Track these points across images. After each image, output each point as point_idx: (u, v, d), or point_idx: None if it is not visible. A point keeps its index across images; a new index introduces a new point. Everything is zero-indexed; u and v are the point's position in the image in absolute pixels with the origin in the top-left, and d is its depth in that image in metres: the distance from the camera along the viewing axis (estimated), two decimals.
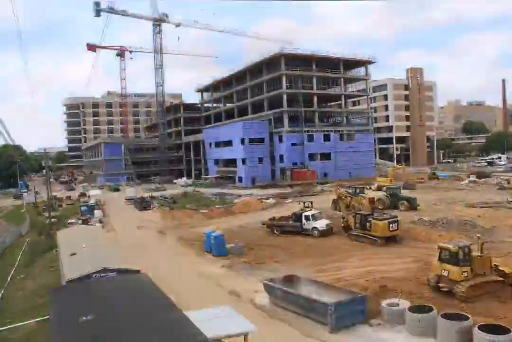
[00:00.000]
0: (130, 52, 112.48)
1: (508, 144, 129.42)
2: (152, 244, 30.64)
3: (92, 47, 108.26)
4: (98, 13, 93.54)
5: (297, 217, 30.79)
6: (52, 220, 39.62)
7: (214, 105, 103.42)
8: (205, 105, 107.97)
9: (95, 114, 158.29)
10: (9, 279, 24.62)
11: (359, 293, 16.09)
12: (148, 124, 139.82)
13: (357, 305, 15.20)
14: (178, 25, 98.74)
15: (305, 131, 74.63)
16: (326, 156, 77.41)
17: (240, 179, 74.20)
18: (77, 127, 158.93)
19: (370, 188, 51.09)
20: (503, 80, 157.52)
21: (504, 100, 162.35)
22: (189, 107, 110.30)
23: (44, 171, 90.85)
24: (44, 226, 39.31)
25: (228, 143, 78.86)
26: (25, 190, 79.12)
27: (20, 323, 16.94)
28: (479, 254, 17.03)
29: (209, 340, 8.85)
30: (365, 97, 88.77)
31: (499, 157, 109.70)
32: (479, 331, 12.16)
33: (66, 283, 15.37)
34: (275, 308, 16.89)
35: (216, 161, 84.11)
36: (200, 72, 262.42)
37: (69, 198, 65.53)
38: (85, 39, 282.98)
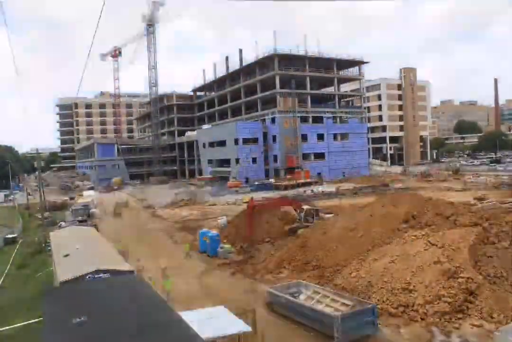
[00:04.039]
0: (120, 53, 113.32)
1: (500, 143, 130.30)
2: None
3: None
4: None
5: None
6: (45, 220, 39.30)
7: (208, 105, 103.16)
8: (199, 104, 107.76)
9: (88, 114, 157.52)
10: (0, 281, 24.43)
11: (369, 302, 14.69)
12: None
13: (366, 317, 13.84)
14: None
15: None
16: (320, 156, 77.64)
17: (234, 179, 74.08)
18: (70, 128, 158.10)
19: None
20: (495, 80, 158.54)
21: (496, 100, 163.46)
22: (183, 107, 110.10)
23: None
24: (38, 227, 39.06)
25: (222, 143, 78.81)
26: (17, 191, 78.66)
27: (15, 325, 16.80)
28: None
29: (204, 340, 8.81)
30: (359, 97, 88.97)
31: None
32: None
33: (60, 284, 15.25)
34: (276, 316, 16.07)
35: (210, 162, 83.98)
36: (195, 70, 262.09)
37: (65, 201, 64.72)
38: (80, 39, 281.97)
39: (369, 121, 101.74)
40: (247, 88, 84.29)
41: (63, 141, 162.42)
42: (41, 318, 10.63)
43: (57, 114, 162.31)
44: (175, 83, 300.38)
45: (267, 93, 77.87)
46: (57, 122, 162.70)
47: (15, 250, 32.85)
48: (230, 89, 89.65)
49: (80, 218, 41.18)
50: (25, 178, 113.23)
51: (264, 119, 77.80)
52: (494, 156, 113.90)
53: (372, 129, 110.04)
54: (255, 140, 75.58)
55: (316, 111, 79.02)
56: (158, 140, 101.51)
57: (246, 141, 74.65)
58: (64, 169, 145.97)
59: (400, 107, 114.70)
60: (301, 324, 14.90)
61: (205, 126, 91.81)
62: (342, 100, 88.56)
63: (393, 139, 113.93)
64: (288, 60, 75.88)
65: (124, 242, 27.78)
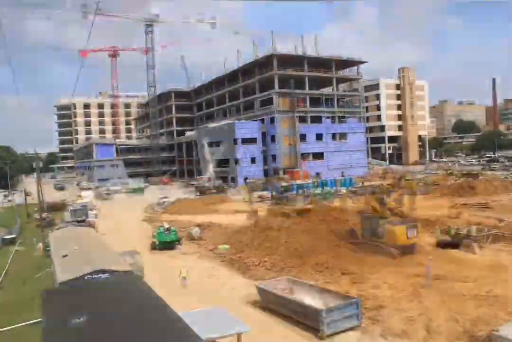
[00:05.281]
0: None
1: (498, 143, 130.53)
2: None
3: (84, 53, 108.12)
4: (85, 15, 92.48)
5: None
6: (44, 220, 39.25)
7: (206, 105, 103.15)
8: (198, 104, 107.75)
9: (87, 115, 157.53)
10: None
11: (353, 297, 15.64)
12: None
13: (350, 310, 14.68)
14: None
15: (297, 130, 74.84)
16: (318, 156, 77.74)
17: (233, 179, 74.16)
18: (68, 128, 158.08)
19: None
20: (493, 79, 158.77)
21: (494, 99, 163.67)
22: (182, 107, 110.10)
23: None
24: (36, 227, 39.03)
25: (221, 143, 78.82)
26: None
27: (15, 325, 16.80)
28: None
29: (203, 340, 8.83)
30: (357, 97, 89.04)
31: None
32: None
33: (59, 284, 15.25)
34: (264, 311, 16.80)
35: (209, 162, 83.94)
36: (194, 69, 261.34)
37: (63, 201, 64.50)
38: (75, 39, 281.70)
39: (367, 121, 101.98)
40: (246, 88, 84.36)
41: (61, 142, 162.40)
42: (41, 319, 10.62)
43: (56, 114, 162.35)
44: (175, 83, 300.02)
45: (265, 93, 77.96)
46: (56, 122, 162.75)
47: (14, 251, 32.82)
48: (229, 89, 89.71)
49: (78, 218, 41.19)
50: (23, 178, 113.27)
51: (263, 119, 77.84)
52: (492, 156, 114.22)
53: (371, 129, 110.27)
54: (254, 140, 75.62)
55: (314, 111, 79.09)
56: (157, 141, 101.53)
57: (245, 141, 74.69)
58: (63, 169, 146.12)
59: (399, 107, 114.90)
60: (289, 318, 15.54)
61: (203, 127, 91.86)
62: (340, 100, 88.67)
63: (392, 139, 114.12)
64: (286, 60, 75.94)
65: None
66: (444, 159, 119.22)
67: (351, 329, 14.51)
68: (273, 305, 16.69)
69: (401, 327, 14.38)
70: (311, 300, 16.04)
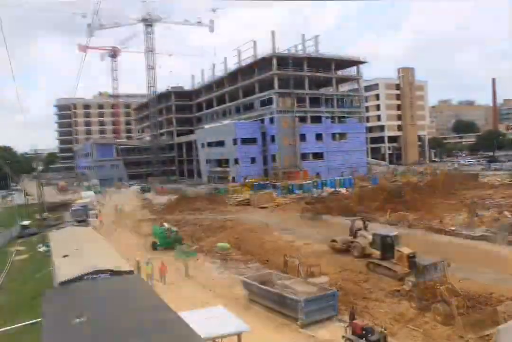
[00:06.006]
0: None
1: (498, 143, 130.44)
2: None
3: (83, 48, 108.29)
4: (91, 33, 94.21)
5: None
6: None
7: (206, 105, 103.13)
8: (197, 104, 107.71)
9: (87, 115, 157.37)
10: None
11: (330, 288, 16.45)
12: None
13: (327, 301, 15.54)
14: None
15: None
16: (318, 156, 77.72)
17: (233, 179, 74.13)
18: (68, 128, 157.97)
19: None
20: (493, 79, 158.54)
21: (494, 99, 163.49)
22: (181, 107, 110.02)
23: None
24: (38, 227, 39.12)
25: (221, 143, 78.86)
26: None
27: (12, 326, 16.81)
28: None
29: (203, 340, 8.85)
30: (357, 97, 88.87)
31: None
32: None
33: (59, 284, 15.27)
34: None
35: (208, 162, 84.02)
36: (194, 69, 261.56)
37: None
38: (75, 39, 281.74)
39: (367, 121, 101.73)
40: (246, 88, 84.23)
41: (61, 142, 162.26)
42: (41, 319, 10.63)
43: (56, 114, 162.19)
44: (175, 82, 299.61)
45: (265, 93, 77.89)
46: (56, 122, 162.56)
47: (14, 251, 32.86)
48: (228, 89, 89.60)
49: (79, 218, 41.29)
50: (23, 178, 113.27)
51: (263, 119, 77.82)
52: (492, 155, 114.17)
53: (370, 129, 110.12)
54: (253, 140, 75.57)
55: (314, 111, 78.94)
56: (157, 141, 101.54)
57: (244, 141, 74.64)
58: (63, 170, 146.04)
59: (399, 107, 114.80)
60: (271, 309, 16.35)
61: (205, 127, 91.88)
62: (340, 100, 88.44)
63: (391, 139, 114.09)
64: (286, 60, 75.82)
65: None
66: (443, 159, 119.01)
67: (328, 318, 15.24)
68: (256, 297, 17.51)
69: None
70: (291, 291, 16.60)
